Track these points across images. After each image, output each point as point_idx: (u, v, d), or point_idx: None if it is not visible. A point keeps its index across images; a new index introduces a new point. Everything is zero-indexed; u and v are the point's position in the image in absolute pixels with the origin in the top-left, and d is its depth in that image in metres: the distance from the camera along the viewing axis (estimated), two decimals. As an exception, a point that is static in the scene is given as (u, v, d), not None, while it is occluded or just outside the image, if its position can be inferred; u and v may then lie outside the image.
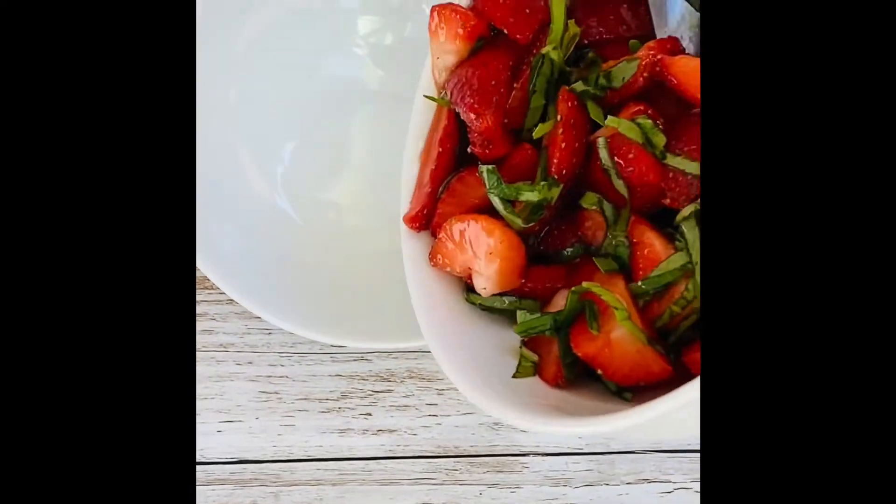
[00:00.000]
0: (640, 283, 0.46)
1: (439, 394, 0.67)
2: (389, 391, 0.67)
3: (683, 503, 0.65)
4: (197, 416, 0.66)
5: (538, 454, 0.67)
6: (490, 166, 0.49)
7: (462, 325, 0.51)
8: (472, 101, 0.50)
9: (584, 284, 0.46)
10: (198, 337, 0.66)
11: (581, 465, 0.67)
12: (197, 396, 0.66)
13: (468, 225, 0.49)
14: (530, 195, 0.48)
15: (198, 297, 0.67)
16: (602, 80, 0.48)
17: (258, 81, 0.67)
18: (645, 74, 0.47)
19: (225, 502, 0.65)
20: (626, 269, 0.47)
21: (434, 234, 0.52)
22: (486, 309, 0.51)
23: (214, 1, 0.64)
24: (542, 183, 0.48)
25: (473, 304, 0.52)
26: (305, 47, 0.68)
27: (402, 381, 0.67)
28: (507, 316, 0.51)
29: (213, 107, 0.65)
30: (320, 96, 0.68)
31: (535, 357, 0.50)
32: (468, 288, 0.52)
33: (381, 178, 0.65)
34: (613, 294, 0.45)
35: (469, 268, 0.50)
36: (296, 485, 0.66)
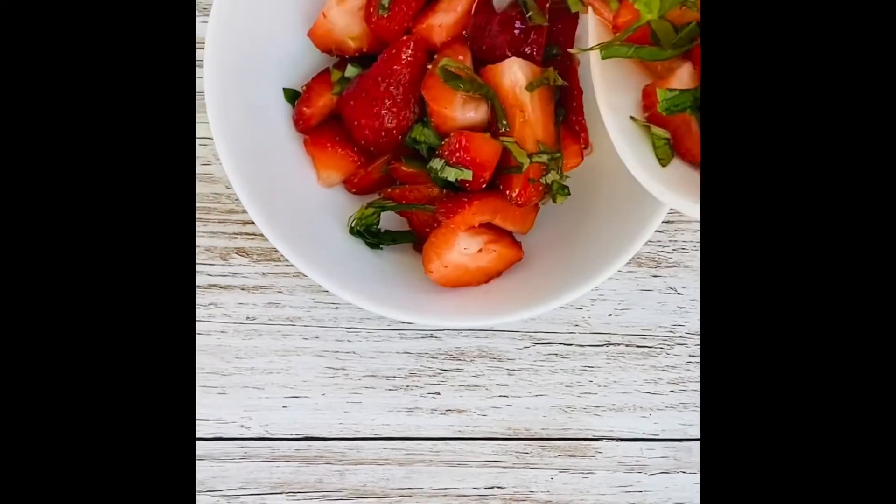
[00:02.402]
0: None
1: (510, 374, 0.65)
2: (459, 370, 0.65)
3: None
4: (262, 391, 0.64)
5: (612, 439, 0.65)
6: None
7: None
8: None
9: None
10: (264, 310, 0.65)
11: (657, 451, 0.65)
12: (262, 371, 0.64)
13: None
14: None
15: (265, 270, 0.65)
16: None
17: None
18: None
19: (290, 479, 0.64)
20: None
21: None
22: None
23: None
24: None
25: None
26: None
27: (472, 360, 0.65)
28: None
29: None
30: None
31: (666, 133, 0.50)
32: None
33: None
34: None
35: None
36: (362, 463, 0.64)
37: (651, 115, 0.51)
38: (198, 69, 0.62)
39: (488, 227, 0.59)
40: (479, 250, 0.59)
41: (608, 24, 0.51)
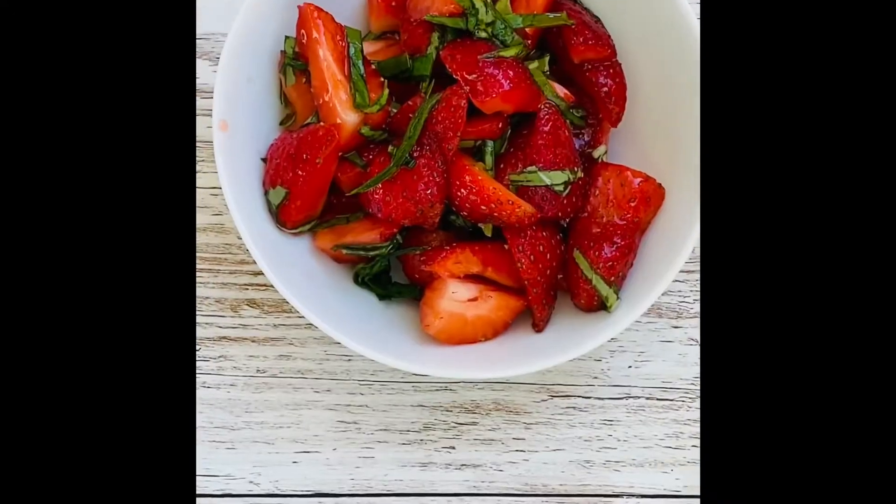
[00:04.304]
0: None
1: (527, 428, 0.63)
2: (474, 423, 0.63)
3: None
4: (272, 446, 0.63)
5: (632, 495, 0.63)
6: None
7: None
8: None
9: None
10: (275, 362, 0.64)
11: (679, 508, 0.63)
12: (272, 425, 0.63)
13: None
14: None
15: (276, 321, 0.64)
16: None
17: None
18: None
19: (300, 537, 0.62)
20: None
21: None
22: None
23: None
24: None
25: None
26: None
27: (487, 414, 0.64)
28: None
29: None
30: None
31: None
32: None
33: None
34: None
35: None
36: (374, 521, 0.63)
37: None
38: (207, 118, 0.61)
39: (484, 278, 0.58)
40: (475, 298, 0.57)
41: None
